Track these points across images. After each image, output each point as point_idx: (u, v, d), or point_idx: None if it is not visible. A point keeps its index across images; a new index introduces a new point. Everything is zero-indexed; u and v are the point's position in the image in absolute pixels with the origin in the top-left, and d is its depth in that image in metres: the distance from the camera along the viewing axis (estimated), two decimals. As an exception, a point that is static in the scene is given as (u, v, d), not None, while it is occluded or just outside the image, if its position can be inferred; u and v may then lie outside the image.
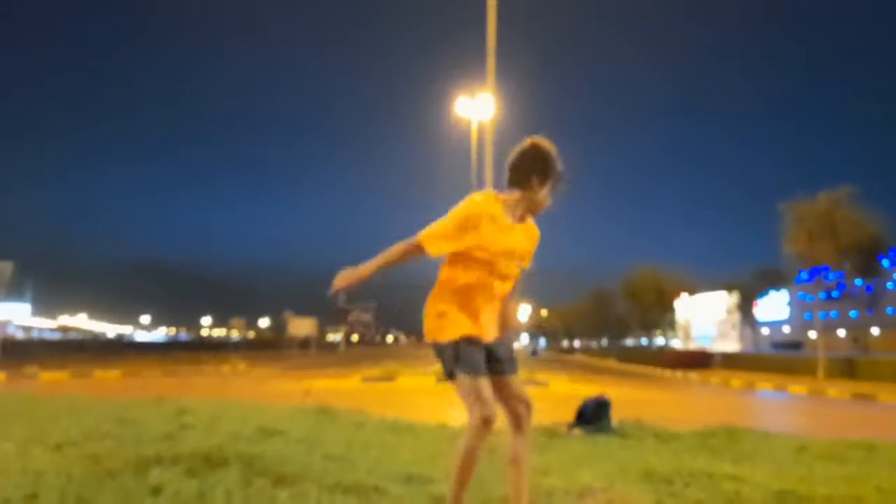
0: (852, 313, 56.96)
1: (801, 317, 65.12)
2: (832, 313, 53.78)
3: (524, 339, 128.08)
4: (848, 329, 57.91)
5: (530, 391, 3.01)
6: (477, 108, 20.66)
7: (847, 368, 27.21)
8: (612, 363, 53.46)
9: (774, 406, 17.96)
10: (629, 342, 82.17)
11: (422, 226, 2.86)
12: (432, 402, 12.85)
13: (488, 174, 18.44)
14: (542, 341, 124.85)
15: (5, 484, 3.49)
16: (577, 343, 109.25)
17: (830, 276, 31.82)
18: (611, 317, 74.93)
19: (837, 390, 20.56)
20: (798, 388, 21.94)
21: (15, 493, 3.34)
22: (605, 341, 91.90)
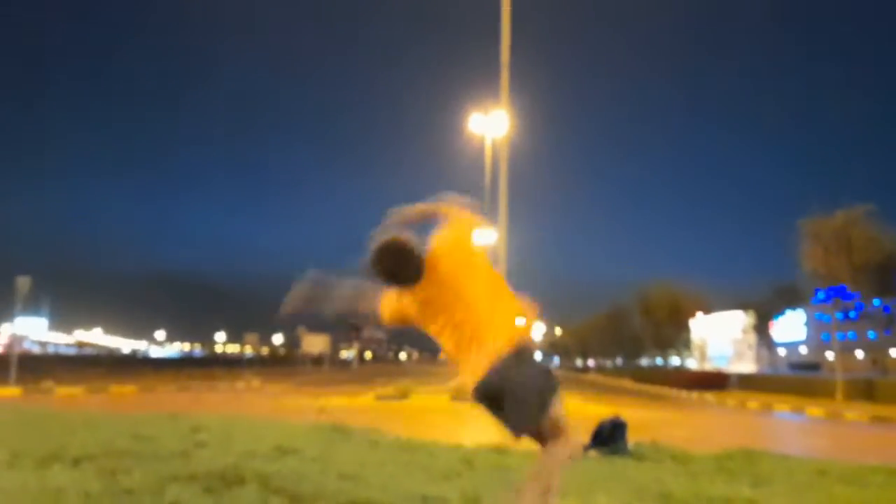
0: (870, 334, 56.23)
1: (818, 337, 64.37)
2: (850, 334, 53.15)
3: (538, 358, 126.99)
4: (866, 350, 57.18)
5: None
6: (491, 124, 20.79)
7: (866, 390, 26.81)
8: (626, 383, 52.97)
9: (792, 428, 17.73)
10: (644, 362, 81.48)
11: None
12: (447, 420, 12.81)
13: (503, 189, 18.54)
14: (556, 360, 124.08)
15: (25, 501, 3.52)
16: (591, 362, 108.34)
17: (848, 295, 31.52)
18: (625, 334, 74.30)
19: (856, 413, 20.26)
20: (816, 410, 21.64)
21: (35, 509, 3.36)
22: (619, 360, 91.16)
